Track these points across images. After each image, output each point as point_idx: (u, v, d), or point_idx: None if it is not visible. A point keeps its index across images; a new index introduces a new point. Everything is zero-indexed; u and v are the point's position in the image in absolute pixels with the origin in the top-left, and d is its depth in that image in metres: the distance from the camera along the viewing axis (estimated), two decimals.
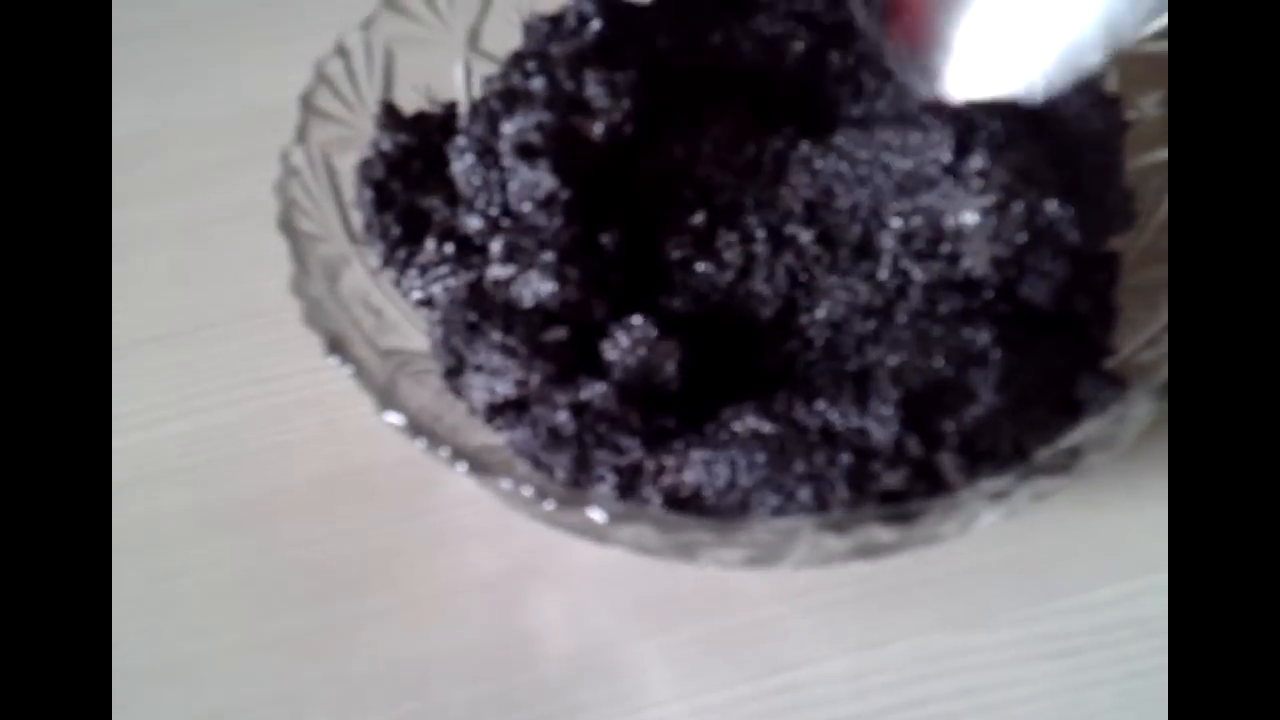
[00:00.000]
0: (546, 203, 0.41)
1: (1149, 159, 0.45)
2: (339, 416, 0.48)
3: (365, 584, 0.44)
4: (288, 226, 0.42)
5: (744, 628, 0.42)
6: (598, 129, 0.42)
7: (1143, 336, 0.41)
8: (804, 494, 0.37)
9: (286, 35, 0.48)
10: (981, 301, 0.40)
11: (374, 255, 0.44)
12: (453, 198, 0.43)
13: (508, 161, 0.41)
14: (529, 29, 0.46)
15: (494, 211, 0.42)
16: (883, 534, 0.35)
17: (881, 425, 0.37)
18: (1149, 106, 0.46)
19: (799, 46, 0.47)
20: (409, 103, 0.48)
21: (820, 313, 0.41)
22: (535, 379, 0.39)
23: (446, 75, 0.49)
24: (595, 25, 0.45)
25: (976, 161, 0.39)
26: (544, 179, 0.41)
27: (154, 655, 0.43)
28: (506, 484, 0.36)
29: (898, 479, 0.36)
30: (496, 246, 0.41)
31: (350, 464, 0.46)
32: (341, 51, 0.47)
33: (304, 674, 0.42)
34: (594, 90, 0.42)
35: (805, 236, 0.42)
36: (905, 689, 0.40)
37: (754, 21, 0.48)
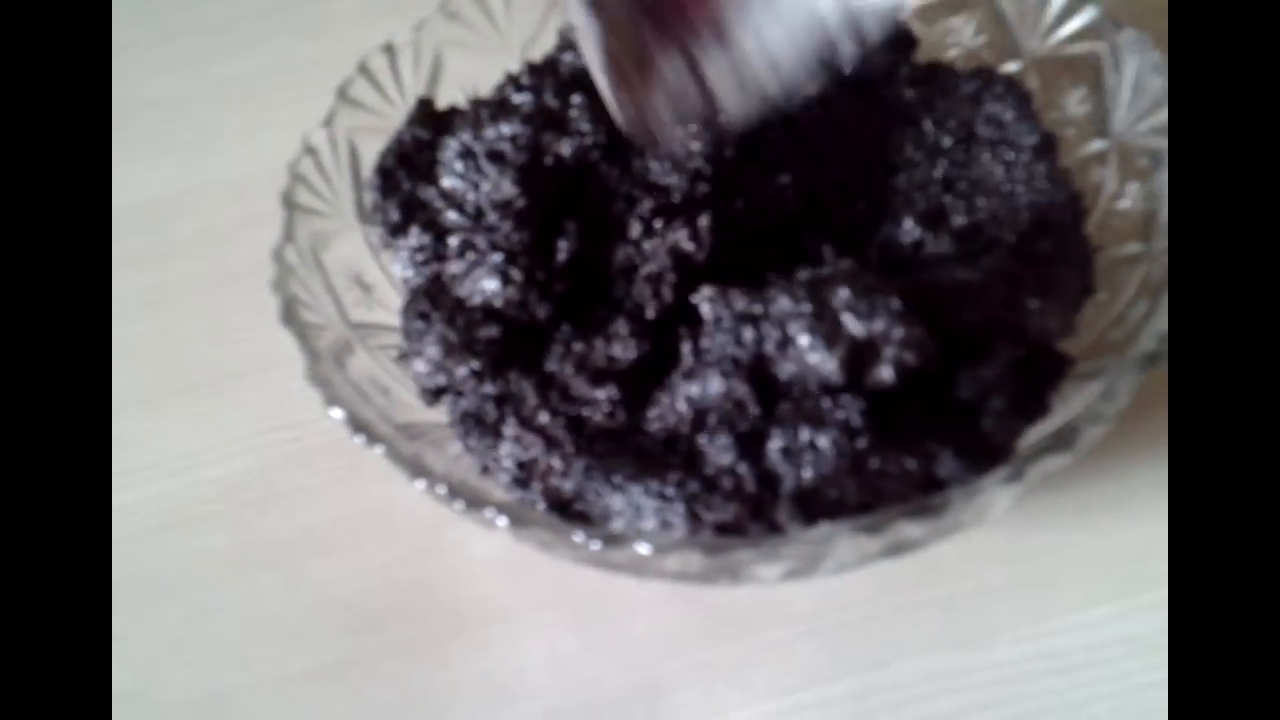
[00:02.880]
0: (503, 206, 0.43)
1: (1124, 250, 0.45)
2: (361, 458, 0.47)
3: (389, 617, 0.45)
4: (288, 199, 0.46)
5: (751, 651, 0.43)
6: (566, 148, 0.44)
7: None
8: (649, 513, 0.38)
9: (306, 97, 0.50)
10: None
11: (375, 235, 0.48)
12: (446, 192, 0.46)
13: (483, 165, 0.44)
14: (562, 35, 0.49)
15: (468, 210, 0.44)
16: (695, 561, 0.36)
17: (718, 451, 0.38)
18: (1135, 199, 0.46)
19: None
20: (455, 102, 0.51)
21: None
22: (462, 372, 0.42)
23: (495, 78, 0.51)
24: None
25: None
26: (504, 185, 0.43)
27: (194, 688, 0.45)
28: (379, 450, 0.39)
29: (730, 513, 0.38)
30: (454, 242, 0.44)
31: (372, 503, 0.48)
32: (388, 49, 0.51)
33: (333, 704, 0.44)
34: (574, 113, 0.45)
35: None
36: (909, 708, 0.41)
37: None
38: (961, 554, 0.43)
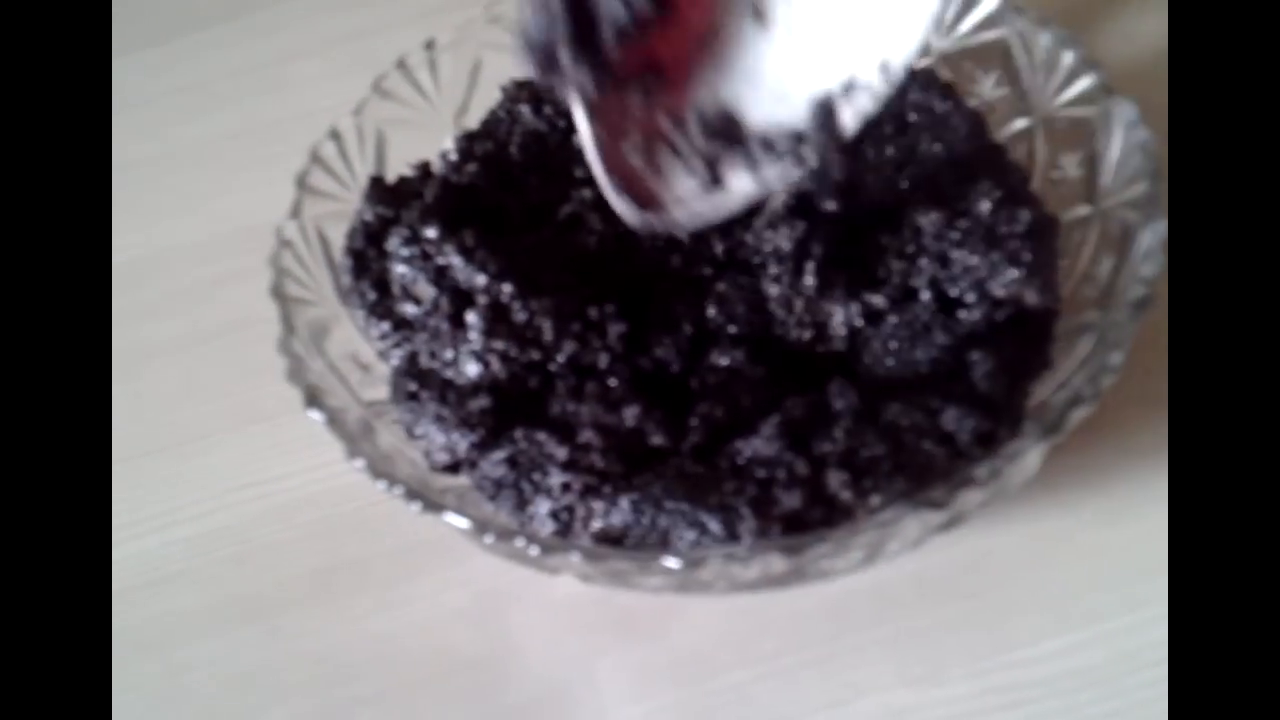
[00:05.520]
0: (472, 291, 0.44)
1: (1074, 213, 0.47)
2: (334, 513, 0.50)
3: (362, 668, 0.46)
4: (278, 292, 0.46)
5: (713, 693, 0.44)
6: None
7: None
8: (714, 526, 0.39)
9: (273, 157, 0.51)
10: None
11: (359, 316, 0.48)
12: (398, 280, 0.47)
13: (443, 249, 0.45)
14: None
15: (424, 296, 0.46)
16: (779, 563, 0.38)
17: (766, 442, 0.40)
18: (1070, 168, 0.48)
19: None
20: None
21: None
22: (462, 446, 0.43)
23: (437, 149, 0.53)
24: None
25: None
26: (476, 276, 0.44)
27: None
28: (449, 518, 0.39)
29: (794, 500, 0.39)
30: (420, 341, 0.45)
31: (346, 557, 0.49)
32: (334, 135, 0.52)
33: None
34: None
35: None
36: None
37: None
38: (915, 591, 0.45)
